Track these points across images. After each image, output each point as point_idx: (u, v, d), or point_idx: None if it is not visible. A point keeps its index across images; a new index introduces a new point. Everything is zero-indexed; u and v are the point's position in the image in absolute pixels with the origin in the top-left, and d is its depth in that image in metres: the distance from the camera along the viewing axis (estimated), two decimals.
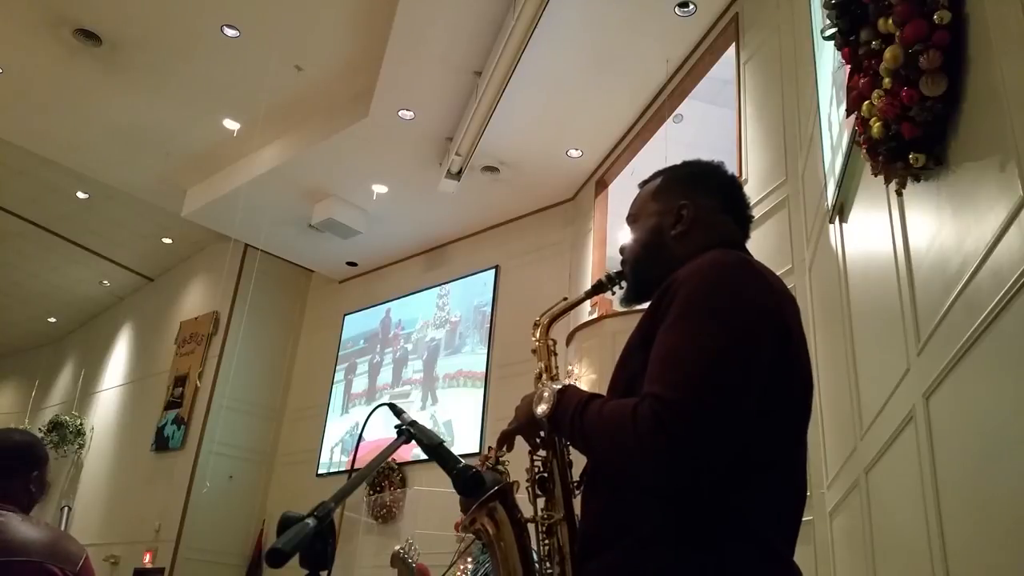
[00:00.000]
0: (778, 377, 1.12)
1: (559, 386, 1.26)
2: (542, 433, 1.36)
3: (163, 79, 7.14)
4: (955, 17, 1.68)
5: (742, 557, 1.07)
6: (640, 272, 1.39)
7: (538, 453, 1.38)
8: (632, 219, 1.43)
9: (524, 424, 1.34)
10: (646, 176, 1.48)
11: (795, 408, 1.18)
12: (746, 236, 1.39)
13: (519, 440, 1.41)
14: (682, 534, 1.07)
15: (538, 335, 1.53)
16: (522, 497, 1.43)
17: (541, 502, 1.36)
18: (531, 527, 1.38)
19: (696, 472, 1.03)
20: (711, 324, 1.09)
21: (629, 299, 1.43)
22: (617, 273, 1.45)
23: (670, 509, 1.08)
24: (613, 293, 1.47)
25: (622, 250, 1.44)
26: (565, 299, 1.59)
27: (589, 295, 1.55)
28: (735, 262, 1.19)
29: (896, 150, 1.87)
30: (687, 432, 1.02)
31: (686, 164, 1.44)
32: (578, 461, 1.33)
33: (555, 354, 1.52)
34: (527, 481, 1.39)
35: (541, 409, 1.26)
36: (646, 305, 1.32)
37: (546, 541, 1.33)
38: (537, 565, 1.34)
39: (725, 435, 1.03)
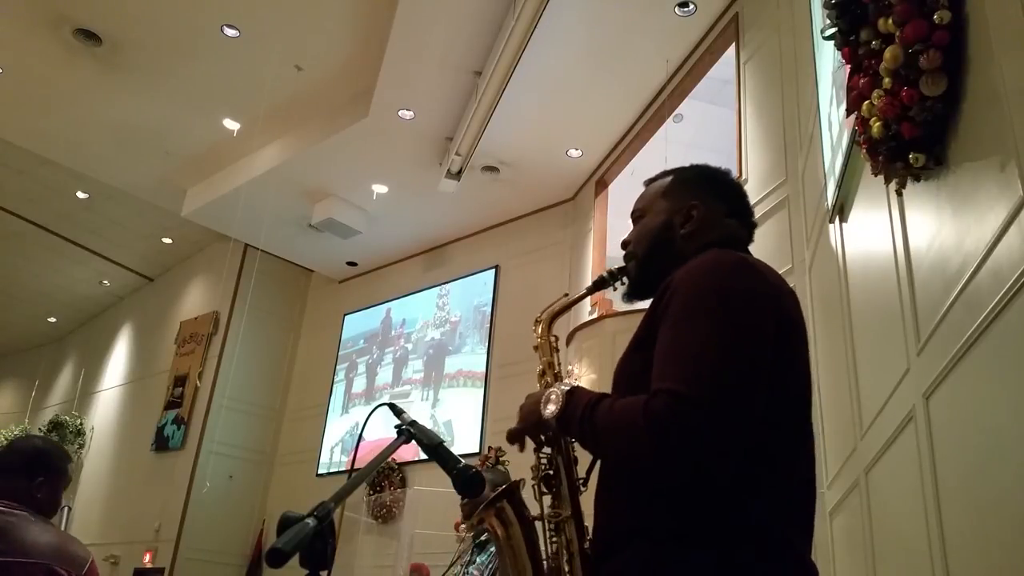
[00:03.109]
0: (781, 370, 1.14)
1: (567, 387, 1.25)
2: (548, 433, 1.36)
3: (163, 79, 7.14)
4: (955, 17, 1.68)
5: (756, 554, 1.08)
6: (646, 268, 1.39)
7: (543, 450, 1.37)
8: (638, 215, 1.43)
9: (530, 426, 1.34)
10: (649, 175, 1.49)
11: (798, 400, 1.20)
12: (750, 239, 1.40)
13: (527, 438, 1.40)
14: (696, 533, 1.08)
15: (540, 331, 1.52)
16: (527, 494, 1.42)
17: (547, 500, 1.35)
18: (539, 525, 1.37)
19: (709, 465, 1.04)
20: (715, 320, 1.10)
21: (632, 295, 1.43)
22: (619, 269, 1.44)
23: (684, 508, 1.09)
24: (615, 289, 1.47)
25: (625, 245, 1.43)
26: (566, 295, 1.58)
27: (591, 291, 1.54)
28: (734, 260, 1.21)
29: (896, 150, 1.88)
30: (701, 425, 1.02)
31: (695, 167, 1.45)
32: (582, 458, 1.33)
33: (557, 350, 1.52)
34: (532, 479, 1.38)
35: (549, 410, 1.25)
36: (646, 304, 1.32)
37: (554, 539, 1.31)
38: (545, 563, 1.33)
39: (737, 428, 1.04)
